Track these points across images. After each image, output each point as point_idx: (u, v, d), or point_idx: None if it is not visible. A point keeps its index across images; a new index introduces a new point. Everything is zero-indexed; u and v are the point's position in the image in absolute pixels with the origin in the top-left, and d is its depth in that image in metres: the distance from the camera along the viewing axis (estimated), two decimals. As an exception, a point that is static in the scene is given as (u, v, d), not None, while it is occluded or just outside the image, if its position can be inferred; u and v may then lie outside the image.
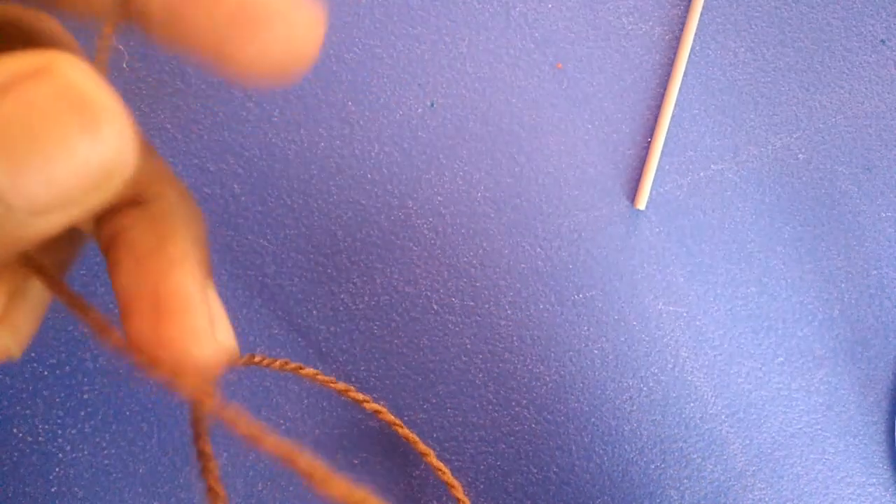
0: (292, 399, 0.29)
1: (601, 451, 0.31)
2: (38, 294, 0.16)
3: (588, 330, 0.31)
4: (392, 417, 0.16)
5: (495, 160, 0.32)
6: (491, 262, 0.31)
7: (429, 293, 0.31)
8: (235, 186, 0.30)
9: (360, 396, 0.21)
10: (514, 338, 0.31)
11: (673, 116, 0.33)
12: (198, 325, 0.13)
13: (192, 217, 0.15)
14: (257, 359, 0.17)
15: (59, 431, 0.28)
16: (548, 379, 0.31)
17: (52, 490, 0.28)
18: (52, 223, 0.11)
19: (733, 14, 0.34)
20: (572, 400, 0.31)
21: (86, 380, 0.28)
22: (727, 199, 0.33)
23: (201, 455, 0.13)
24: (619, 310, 0.32)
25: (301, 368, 0.17)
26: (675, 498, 0.31)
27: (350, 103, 0.31)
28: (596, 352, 0.31)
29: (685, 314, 0.32)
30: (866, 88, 0.35)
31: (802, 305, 0.33)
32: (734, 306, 0.32)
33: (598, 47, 0.33)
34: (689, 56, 0.33)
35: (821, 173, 0.34)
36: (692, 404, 0.32)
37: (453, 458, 0.30)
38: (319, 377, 0.19)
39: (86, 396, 0.28)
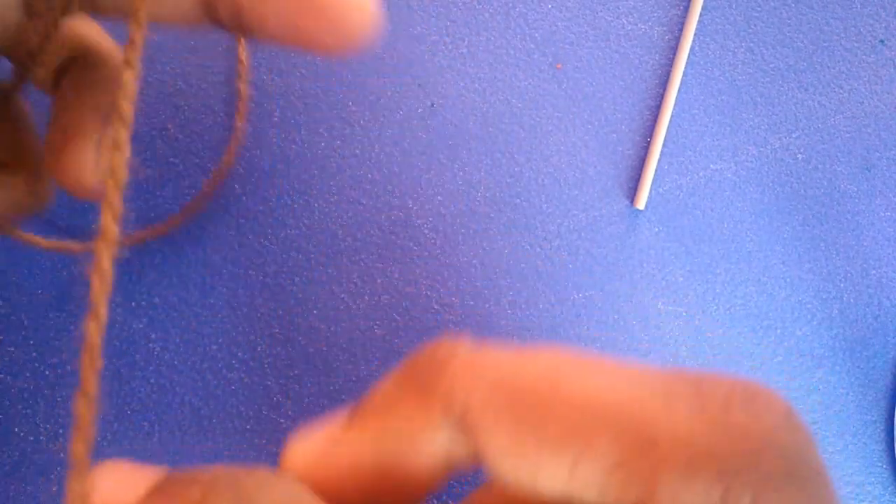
0: (293, 398, 0.29)
1: (601, 451, 0.31)
2: None
3: (588, 329, 0.31)
4: None
5: (495, 160, 0.32)
6: (491, 262, 0.31)
7: (429, 293, 0.31)
8: (236, 186, 0.30)
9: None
10: (515, 338, 0.31)
11: (672, 116, 0.33)
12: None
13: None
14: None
15: (61, 431, 0.28)
16: (548, 378, 0.31)
17: (54, 489, 0.28)
18: None
19: (732, 15, 0.34)
20: (572, 399, 0.31)
21: (87, 379, 0.29)
22: (726, 199, 0.33)
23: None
24: (618, 309, 0.32)
25: None
26: (675, 497, 0.31)
27: (350, 103, 0.31)
28: (596, 351, 0.31)
29: (684, 313, 0.32)
30: (865, 88, 0.35)
31: (801, 305, 0.33)
32: (733, 305, 0.32)
33: (598, 48, 0.33)
34: (689, 56, 0.33)
35: (820, 173, 0.34)
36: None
37: (453, 457, 0.30)
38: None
39: (87, 396, 0.28)
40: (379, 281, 0.31)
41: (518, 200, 0.32)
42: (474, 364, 0.12)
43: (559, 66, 0.33)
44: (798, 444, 0.10)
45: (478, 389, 0.12)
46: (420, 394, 0.12)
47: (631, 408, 0.11)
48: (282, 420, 0.29)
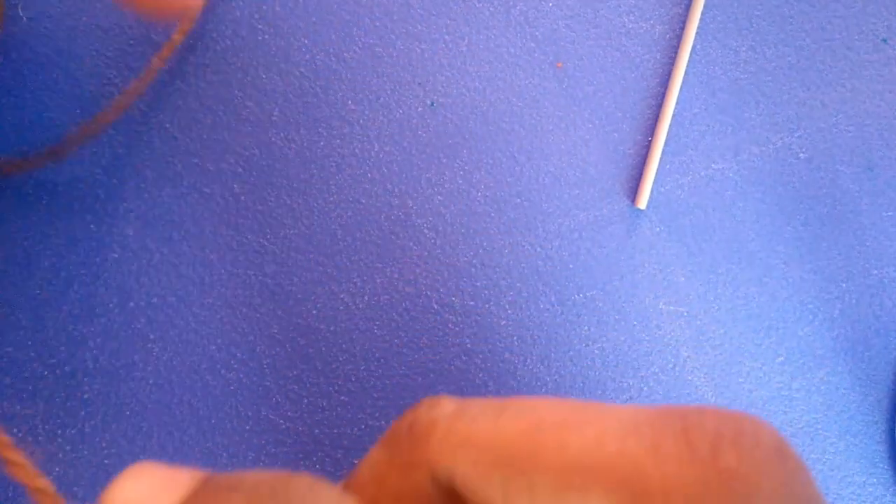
0: (292, 398, 0.29)
1: (601, 451, 0.31)
2: None
3: (588, 330, 0.31)
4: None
5: (495, 160, 0.32)
6: (491, 262, 0.31)
7: (429, 293, 0.31)
8: (235, 186, 0.30)
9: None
10: (514, 338, 0.31)
11: (674, 115, 0.33)
12: None
13: None
14: None
15: (59, 431, 0.28)
16: (548, 379, 0.31)
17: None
18: None
19: (734, 13, 0.34)
20: (572, 400, 0.31)
21: (86, 380, 0.28)
22: (728, 199, 0.33)
23: None
24: (619, 309, 0.32)
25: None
26: (676, 498, 0.31)
27: (350, 102, 0.31)
28: (596, 351, 0.31)
29: (686, 314, 0.32)
30: (868, 87, 0.34)
31: (803, 305, 0.33)
32: (735, 306, 0.32)
33: (599, 46, 0.33)
34: (690, 55, 0.33)
35: (822, 172, 0.34)
36: (693, 404, 0.32)
37: (453, 457, 0.30)
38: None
39: (86, 396, 0.28)
40: (379, 281, 0.30)
41: (518, 200, 0.32)
42: (455, 432, 0.12)
43: (560, 64, 0.33)
44: (790, 481, 0.10)
45: (461, 460, 0.12)
46: (405, 468, 0.12)
47: (620, 461, 0.11)
48: (281, 421, 0.29)
